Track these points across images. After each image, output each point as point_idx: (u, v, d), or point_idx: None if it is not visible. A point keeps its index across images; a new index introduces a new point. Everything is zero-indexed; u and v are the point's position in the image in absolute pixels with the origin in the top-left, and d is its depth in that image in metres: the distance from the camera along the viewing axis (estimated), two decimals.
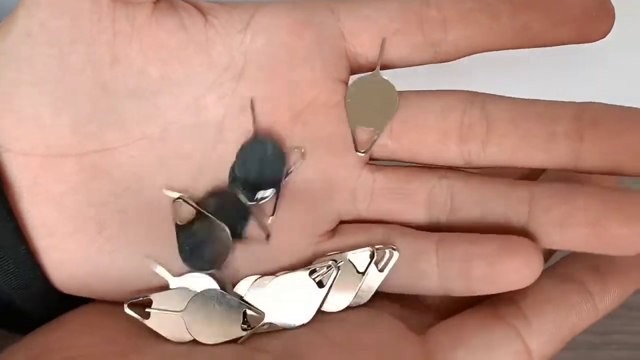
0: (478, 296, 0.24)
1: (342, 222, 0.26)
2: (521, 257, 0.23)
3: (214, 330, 0.24)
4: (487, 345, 0.23)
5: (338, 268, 0.24)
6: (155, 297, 0.24)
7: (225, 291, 0.25)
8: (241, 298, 0.25)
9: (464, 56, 0.24)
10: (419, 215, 0.25)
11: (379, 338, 0.24)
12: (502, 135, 0.23)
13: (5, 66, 0.23)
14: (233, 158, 0.25)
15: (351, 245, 0.25)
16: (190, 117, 0.24)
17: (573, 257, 0.24)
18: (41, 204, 0.24)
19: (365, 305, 0.25)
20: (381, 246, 0.25)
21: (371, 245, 0.25)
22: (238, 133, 0.25)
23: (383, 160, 0.26)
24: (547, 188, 0.24)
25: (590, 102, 0.23)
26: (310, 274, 0.25)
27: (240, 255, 0.25)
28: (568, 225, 0.23)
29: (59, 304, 0.25)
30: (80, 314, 0.25)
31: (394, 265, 0.24)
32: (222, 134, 0.25)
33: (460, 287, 0.24)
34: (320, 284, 0.25)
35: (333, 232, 0.26)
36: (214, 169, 0.25)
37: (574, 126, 0.23)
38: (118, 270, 0.24)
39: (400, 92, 0.25)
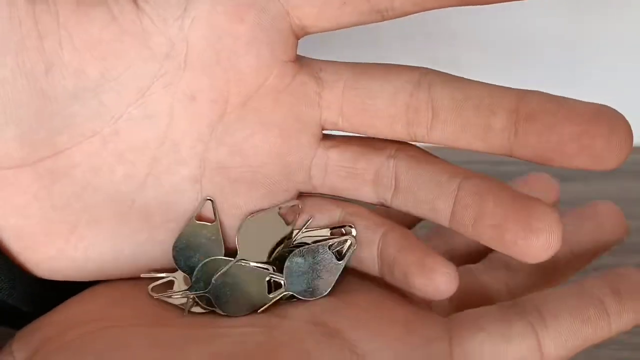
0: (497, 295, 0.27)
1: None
2: (436, 275, 0.24)
3: (240, 302, 0.25)
4: (505, 335, 0.24)
5: (353, 242, 0.25)
6: (177, 277, 0.25)
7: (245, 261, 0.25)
8: (264, 267, 0.25)
9: (412, 13, 0.24)
10: (368, 194, 0.26)
11: (405, 311, 0.25)
12: (444, 122, 0.24)
13: None
14: (187, 144, 0.25)
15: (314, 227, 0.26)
16: (138, 109, 0.24)
17: (598, 277, 0.26)
18: (7, 216, 0.24)
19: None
20: (342, 236, 0.26)
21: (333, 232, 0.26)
22: (189, 121, 0.25)
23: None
24: (472, 184, 0.24)
25: (530, 93, 0.24)
26: (329, 247, 0.25)
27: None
28: (477, 226, 0.24)
29: (45, 292, 0.26)
30: (109, 288, 0.25)
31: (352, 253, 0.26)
32: (173, 122, 0.25)
33: (388, 278, 0.26)
34: (338, 256, 0.25)
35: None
36: (170, 156, 0.25)
37: (510, 120, 0.24)
38: (94, 262, 0.25)
39: (352, 65, 0.25)
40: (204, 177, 0.25)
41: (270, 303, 0.25)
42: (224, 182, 0.25)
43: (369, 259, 0.26)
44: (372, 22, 0.24)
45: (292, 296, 0.26)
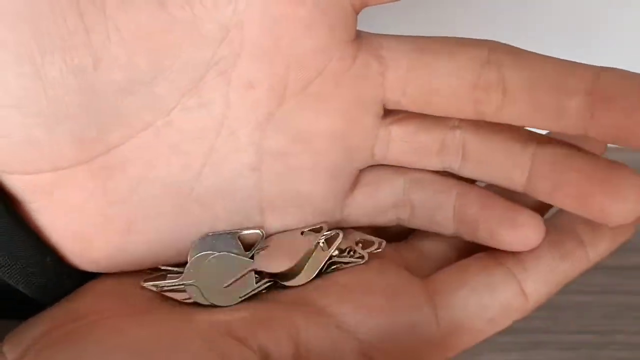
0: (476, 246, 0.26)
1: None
2: (525, 229, 0.25)
3: (229, 292, 0.25)
4: (487, 285, 0.25)
5: (340, 234, 0.26)
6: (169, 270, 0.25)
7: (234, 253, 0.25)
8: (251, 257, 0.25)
9: None
10: (433, 164, 0.26)
11: (386, 281, 0.25)
12: (515, 101, 0.23)
13: None
14: (245, 132, 0.24)
15: (375, 199, 0.27)
16: (193, 99, 0.23)
17: (565, 213, 0.26)
18: (64, 216, 0.24)
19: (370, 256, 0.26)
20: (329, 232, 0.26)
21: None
22: (246, 109, 0.24)
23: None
24: (547, 154, 0.24)
25: (606, 71, 0.22)
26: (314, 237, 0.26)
27: None
28: (556, 196, 0.24)
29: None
30: (102, 283, 0.25)
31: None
32: (230, 110, 0.24)
33: (469, 237, 0.26)
34: (325, 246, 0.26)
35: (355, 183, 0.26)
36: (227, 145, 0.24)
37: (585, 102, 0.22)
38: (148, 254, 0.25)
39: (414, 40, 0.24)
40: (263, 164, 0.25)
41: (257, 289, 0.25)
42: (284, 170, 0.25)
43: (444, 220, 0.26)
44: None
45: (276, 285, 0.25)
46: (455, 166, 0.26)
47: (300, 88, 0.24)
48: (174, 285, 0.25)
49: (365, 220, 0.27)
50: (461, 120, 0.25)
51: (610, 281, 0.38)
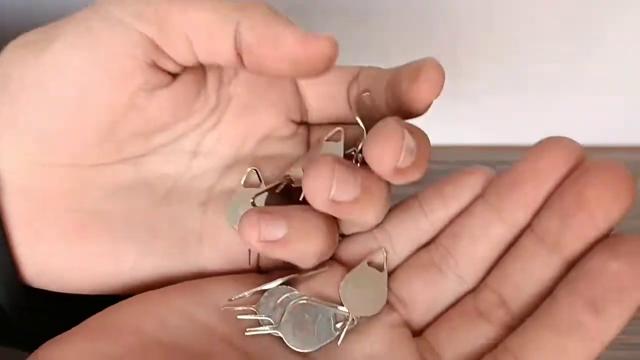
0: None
1: None
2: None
3: (309, 337, 0.26)
4: None
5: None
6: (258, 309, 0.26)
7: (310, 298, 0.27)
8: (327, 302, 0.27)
9: None
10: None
11: None
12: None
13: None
14: (203, 178, 0.29)
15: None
16: (171, 147, 0.29)
17: (568, 290, 0.24)
18: (28, 206, 0.26)
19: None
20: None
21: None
22: (210, 160, 0.29)
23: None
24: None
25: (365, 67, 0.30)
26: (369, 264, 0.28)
27: None
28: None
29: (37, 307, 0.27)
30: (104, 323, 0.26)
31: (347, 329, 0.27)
32: (197, 159, 0.29)
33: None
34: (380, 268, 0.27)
35: None
36: (185, 187, 0.29)
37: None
38: (94, 265, 0.27)
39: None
40: (209, 202, 0.29)
41: (343, 334, 0.26)
42: (224, 207, 0.29)
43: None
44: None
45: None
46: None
47: (252, 146, 0.30)
48: (267, 329, 0.26)
49: None
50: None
51: None
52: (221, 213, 0.28)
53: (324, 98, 0.30)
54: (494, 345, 0.25)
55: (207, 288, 0.27)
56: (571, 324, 0.23)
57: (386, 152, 0.24)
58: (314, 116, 0.31)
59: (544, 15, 0.42)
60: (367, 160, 0.25)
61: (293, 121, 0.30)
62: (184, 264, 0.27)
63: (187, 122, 0.28)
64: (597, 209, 0.24)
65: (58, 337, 0.24)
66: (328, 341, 0.26)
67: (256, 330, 0.26)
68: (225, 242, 0.28)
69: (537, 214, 0.25)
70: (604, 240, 0.24)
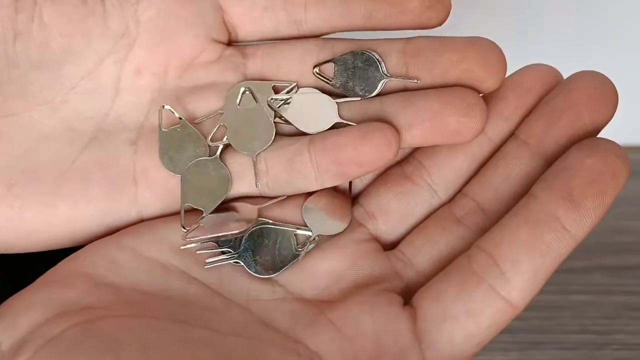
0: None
1: None
2: (380, 139, 0.26)
3: (271, 263, 0.26)
4: (470, 312, 0.24)
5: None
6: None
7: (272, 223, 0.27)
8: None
9: (326, 34, 0.28)
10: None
11: (375, 324, 0.25)
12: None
13: None
14: (130, 115, 0.27)
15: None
16: (90, 82, 0.27)
17: (543, 185, 0.24)
18: None
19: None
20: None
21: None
22: (133, 94, 0.28)
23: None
24: (393, 97, 0.27)
25: (416, 37, 0.27)
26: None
27: None
28: (413, 125, 0.26)
29: None
30: (80, 264, 0.25)
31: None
32: (119, 95, 0.27)
33: (334, 176, 0.26)
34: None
35: None
36: (113, 126, 0.27)
37: (400, 59, 0.27)
38: (27, 223, 0.26)
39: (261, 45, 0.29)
40: (140, 139, 0.27)
41: (303, 256, 0.26)
42: (156, 139, 0.27)
43: (304, 168, 0.28)
44: (292, 36, 0.28)
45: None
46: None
47: (178, 74, 0.28)
48: (228, 257, 0.26)
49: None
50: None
51: (610, 281, 0.38)
52: (154, 152, 0.27)
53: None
54: (468, 248, 0.25)
55: (159, 227, 0.26)
56: (547, 217, 0.23)
57: None
58: (244, 33, 0.29)
59: (545, 15, 0.42)
60: None
61: (217, 42, 0.28)
62: (121, 209, 0.27)
63: (92, 49, 0.27)
64: (584, 111, 0.25)
65: (16, 293, 0.24)
66: (290, 264, 0.26)
67: (215, 262, 0.26)
68: (161, 182, 0.27)
69: (518, 126, 0.26)
70: (581, 141, 0.24)
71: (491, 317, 0.24)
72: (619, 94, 0.25)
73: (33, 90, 0.26)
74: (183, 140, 0.27)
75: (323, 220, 0.27)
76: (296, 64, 0.28)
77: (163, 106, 0.27)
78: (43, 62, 0.26)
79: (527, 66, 0.27)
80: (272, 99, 0.27)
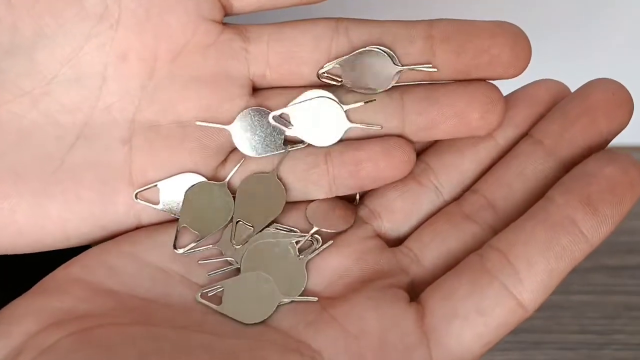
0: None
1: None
2: (401, 156, 0.26)
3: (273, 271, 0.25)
4: (481, 311, 0.23)
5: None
6: (226, 285, 0.25)
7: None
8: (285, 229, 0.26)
9: None
10: None
11: (381, 321, 0.24)
12: None
13: None
14: (119, 106, 0.25)
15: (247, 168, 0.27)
16: (71, 70, 0.25)
17: (564, 188, 0.24)
18: None
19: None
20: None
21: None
22: (121, 82, 0.25)
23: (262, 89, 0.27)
24: (415, 92, 0.26)
25: (438, 20, 0.26)
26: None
27: None
28: (439, 123, 0.26)
29: None
30: (76, 271, 0.25)
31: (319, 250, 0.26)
32: (106, 83, 0.25)
33: (350, 188, 0.27)
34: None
35: (228, 156, 0.27)
36: (101, 119, 0.25)
37: (427, 44, 0.26)
38: (17, 224, 0.25)
39: (274, 23, 0.27)
40: (134, 137, 0.26)
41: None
42: (154, 139, 0.26)
43: (320, 179, 0.27)
44: (293, 4, 0.26)
45: None
46: None
47: (170, 59, 0.26)
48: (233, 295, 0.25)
49: None
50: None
51: (610, 281, 0.38)
52: (150, 151, 0.26)
53: None
54: (479, 245, 0.25)
55: (158, 232, 0.26)
56: (565, 221, 0.23)
57: None
58: (240, 4, 0.26)
59: (544, 15, 0.42)
60: None
61: (212, 20, 0.26)
62: (116, 211, 0.26)
63: (68, 32, 0.24)
64: (601, 116, 0.25)
65: (12, 302, 0.24)
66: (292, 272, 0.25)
67: (216, 272, 0.25)
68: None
69: (529, 130, 0.26)
70: (600, 150, 0.25)
71: (501, 317, 0.23)
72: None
73: (8, 80, 0.24)
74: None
75: (327, 218, 0.26)
76: (310, 50, 0.26)
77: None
78: (14, 47, 0.24)
79: (538, 80, 0.27)
80: (273, 117, 0.26)
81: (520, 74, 0.25)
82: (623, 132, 0.26)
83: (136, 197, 0.25)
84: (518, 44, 0.25)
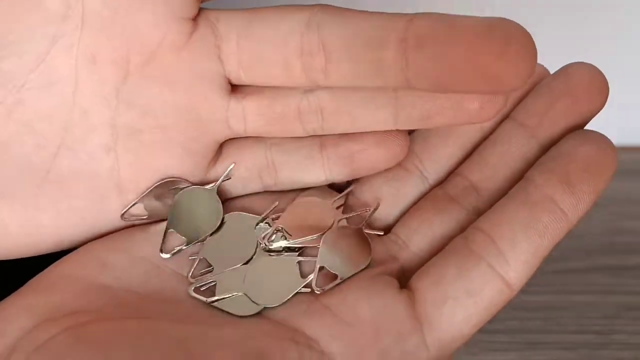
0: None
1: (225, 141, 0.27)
2: (395, 147, 0.26)
3: (278, 290, 0.25)
4: (470, 292, 0.24)
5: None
6: (219, 278, 0.25)
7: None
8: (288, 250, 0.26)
9: None
10: (297, 130, 0.26)
11: (374, 308, 0.24)
12: (338, 61, 0.24)
13: None
14: (96, 110, 0.25)
15: (238, 170, 0.27)
16: (41, 76, 0.24)
17: (541, 169, 0.25)
18: None
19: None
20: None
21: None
22: (94, 86, 0.25)
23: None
24: (408, 93, 0.25)
25: (420, 16, 0.22)
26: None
27: None
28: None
29: None
30: (70, 268, 0.25)
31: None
32: (79, 87, 0.24)
33: (345, 176, 0.27)
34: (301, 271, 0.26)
35: (217, 155, 0.27)
36: (80, 125, 0.25)
37: (399, 50, 0.22)
38: (11, 235, 0.25)
39: (245, 12, 0.25)
40: (117, 144, 0.25)
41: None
42: (138, 147, 0.25)
43: (315, 181, 0.27)
44: None
45: None
46: (318, 129, 0.26)
47: (142, 61, 0.25)
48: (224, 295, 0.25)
49: (233, 191, 0.27)
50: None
51: (610, 281, 0.38)
52: (137, 158, 0.25)
53: None
54: (465, 228, 0.25)
55: (151, 227, 0.26)
56: (545, 200, 0.24)
57: None
58: None
59: (544, 15, 0.42)
60: None
61: (185, 19, 0.25)
62: (109, 218, 0.26)
63: (32, 36, 0.23)
64: (582, 97, 0.25)
65: (4, 299, 0.23)
66: (295, 292, 0.25)
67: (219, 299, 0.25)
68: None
69: (511, 112, 0.26)
70: (575, 130, 0.25)
71: (490, 297, 0.24)
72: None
73: None
74: None
75: (342, 258, 0.26)
76: (279, 51, 0.24)
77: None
78: None
79: None
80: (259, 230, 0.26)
81: (521, 85, 0.21)
82: (623, 132, 0.26)
83: (122, 217, 0.25)
84: (513, 48, 0.20)
